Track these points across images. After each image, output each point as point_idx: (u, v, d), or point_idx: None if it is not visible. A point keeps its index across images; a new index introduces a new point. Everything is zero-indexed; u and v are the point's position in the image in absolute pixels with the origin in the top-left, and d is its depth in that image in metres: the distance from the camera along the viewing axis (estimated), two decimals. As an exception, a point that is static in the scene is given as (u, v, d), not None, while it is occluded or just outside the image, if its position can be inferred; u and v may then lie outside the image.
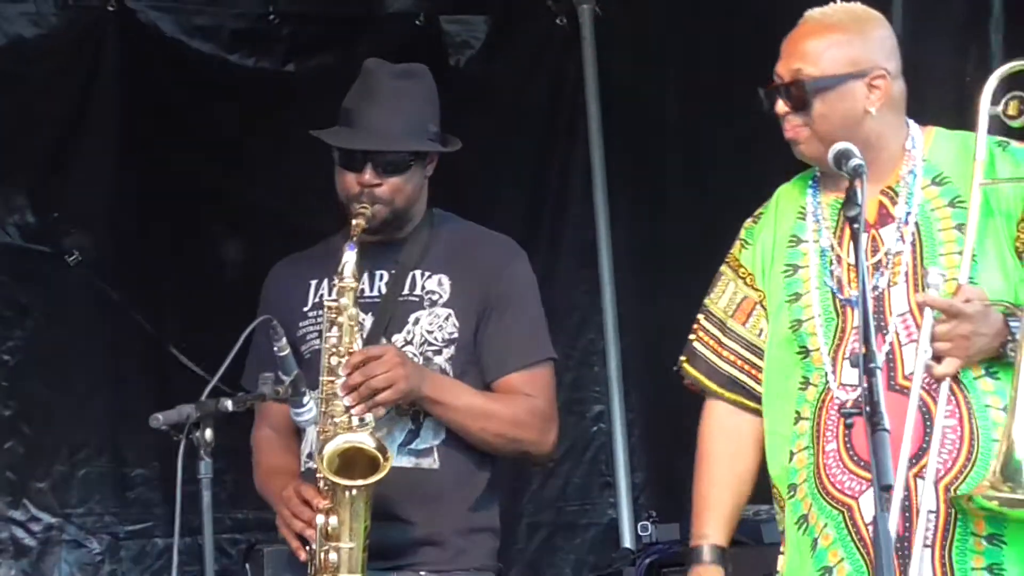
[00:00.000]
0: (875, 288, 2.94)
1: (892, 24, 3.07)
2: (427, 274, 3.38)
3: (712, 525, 3.07)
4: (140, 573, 4.95)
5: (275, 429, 3.43)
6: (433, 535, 3.31)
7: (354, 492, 3.17)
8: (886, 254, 2.96)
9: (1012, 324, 2.89)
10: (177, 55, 5.09)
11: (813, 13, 3.01)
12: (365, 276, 3.33)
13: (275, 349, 3.17)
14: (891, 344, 2.92)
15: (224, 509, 4.64)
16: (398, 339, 3.33)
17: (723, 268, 3.15)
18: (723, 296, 3.12)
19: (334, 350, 3.24)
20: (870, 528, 2.85)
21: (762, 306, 3.07)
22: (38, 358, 4.90)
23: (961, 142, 3.03)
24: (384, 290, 3.37)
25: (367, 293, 3.35)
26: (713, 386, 3.10)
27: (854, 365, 2.79)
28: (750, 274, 3.10)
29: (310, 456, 3.33)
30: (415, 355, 3.33)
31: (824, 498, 2.94)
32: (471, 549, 3.35)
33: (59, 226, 4.97)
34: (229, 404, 3.06)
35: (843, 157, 2.87)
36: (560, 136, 5.42)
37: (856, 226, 2.76)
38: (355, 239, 3.25)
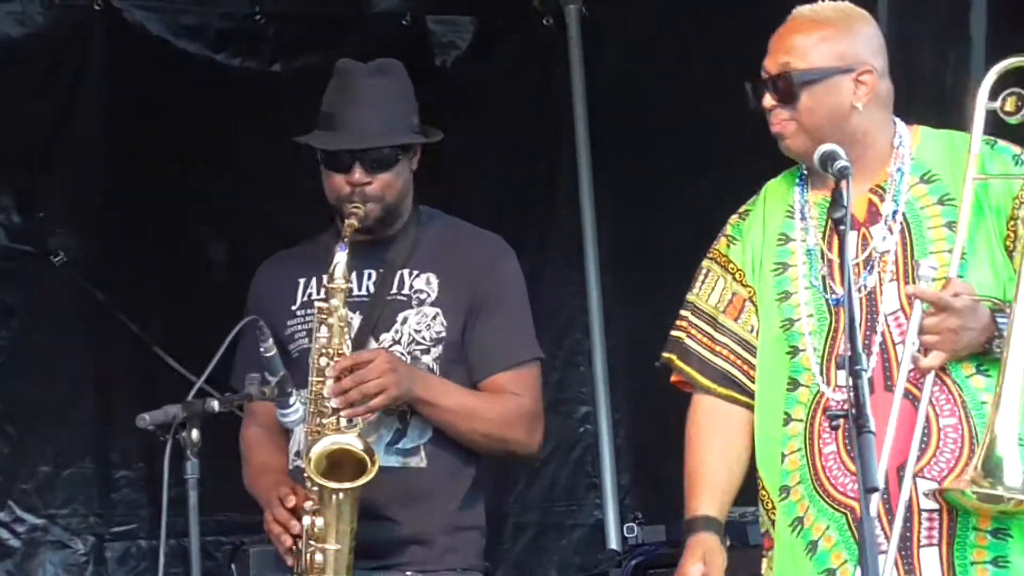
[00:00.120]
0: (864, 287, 2.95)
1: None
2: (415, 273, 3.38)
3: (706, 497, 3.05)
4: (125, 574, 4.94)
5: (264, 427, 3.43)
6: (420, 534, 3.32)
7: (341, 495, 3.16)
8: (874, 251, 2.96)
9: (1000, 320, 2.89)
10: (163, 55, 5.08)
11: (802, 10, 3.03)
12: (353, 275, 3.33)
13: (261, 350, 3.17)
14: (885, 344, 2.93)
15: (208, 511, 4.63)
16: (386, 338, 3.33)
17: (707, 264, 3.15)
18: (712, 292, 3.12)
19: (324, 351, 3.24)
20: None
21: (752, 302, 3.07)
22: (23, 359, 4.89)
23: (949, 141, 3.04)
24: (372, 289, 3.37)
25: (355, 292, 3.35)
26: (706, 381, 3.09)
27: (840, 367, 2.79)
28: (740, 270, 3.10)
29: (298, 455, 3.33)
30: (403, 354, 3.33)
31: (825, 500, 2.94)
32: (458, 548, 3.35)
33: (44, 226, 4.96)
34: (216, 404, 3.06)
35: (829, 159, 2.87)
36: (547, 136, 5.42)
37: (842, 228, 2.77)
38: (346, 240, 3.25)
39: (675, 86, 5.08)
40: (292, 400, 3.21)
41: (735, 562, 4.35)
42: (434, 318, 3.35)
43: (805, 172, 3.08)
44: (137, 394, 4.84)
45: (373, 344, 3.33)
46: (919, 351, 2.89)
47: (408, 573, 3.31)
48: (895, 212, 2.97)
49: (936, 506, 2.88)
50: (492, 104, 5.28)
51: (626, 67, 5.25)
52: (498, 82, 5.32)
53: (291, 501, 3.21)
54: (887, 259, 2.96)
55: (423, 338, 3.34)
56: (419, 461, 3.33)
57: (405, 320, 3.35)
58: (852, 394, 2.64)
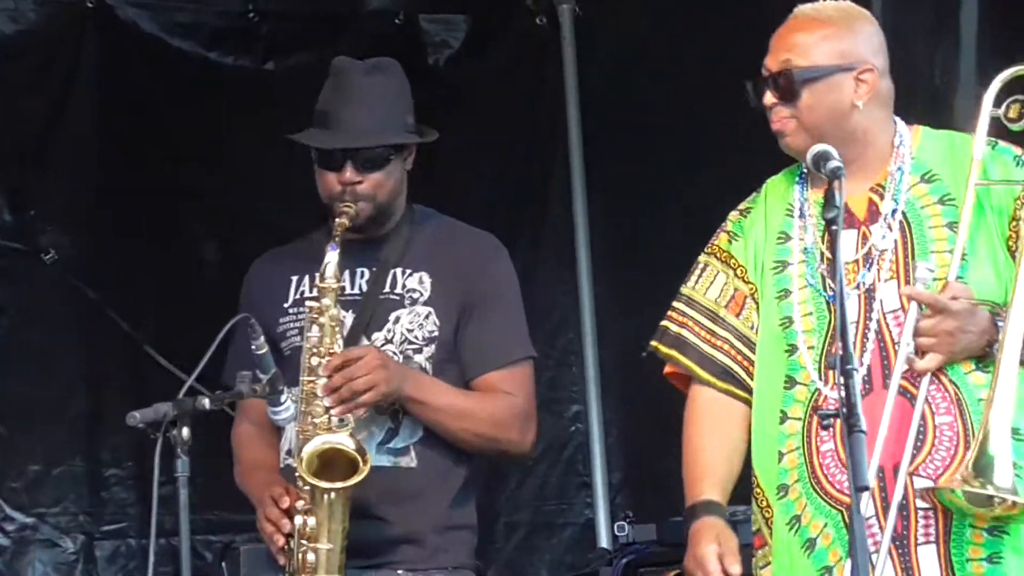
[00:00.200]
0: (861, 284, 2.96)
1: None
2: (408, 272, 3.38)
3: (709, 483, 3.04)
4: (114, 573, 4.93)
5: (255, 424, 3.42)
6: (411, 533, 3.31)
7: (333, 494, 3.16)
8: (873, 248, 2.96)
9: (1000, 323, 2.90)
10: (156, 52, 5.08)
11: (803, 8, 3.04)
12: (346, 273, 3.33)
13: (253, 347, 3.16)
14: (883, 341, 2.93)
15: (198, 510, 4.62)
16: (378, 337, 3.33)
17: (705, 258, 3.14)
18: (711, 286, 3.12)
19: (315, 350, 3.24)
20: (868, 528, 2.85)
21: (754, 299, 3.07)
22: (13, 357, 4.88)
23: (949, 141, 3.05)
24: (365, 288, 3.37)
25: (348, 290, 3.34)
26: (705, 375, 3.09)
27: (831, 367, 2.79)
28: (742, 266, 3.10)
29: (289, 453, 3.32)
30: (395, 353, 3.32)
31: (822, 498, 2.94)
32: (449, 547, 3.35)
33: (36, 224, 4.95)
34: (207, 402, 3.05)
35: (821, 159, 2.87)
36: (540, 135, 5.42)
37: (834, 228, 2.77)
38: (337, 239, 3.25)
39: (668, 85, 5.08)
40: (283, 398, 3.21)
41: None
42: (427, 317, 3.35)
43: (805, 170, 3.08)
44: (128, 393, 4.83)
45: (365, 343, 3.32)
46: (916, 353, 2.89)
47: (399, 571, 3.31)
48: (894, 210, 2.97)
49: (932, 504, 2.88)
50: (485, 103, 5.28)
51: (619, 66, 5.25)
52: (491, 81, 5.32)
53: (285, 502, 3.21)
54: (886, 257, 2.96)
55: (416, 337, 3.34)
56: (409, 461, 3.33)
57: (398, 319, 3.35)
58: (843, 394, 2.65)
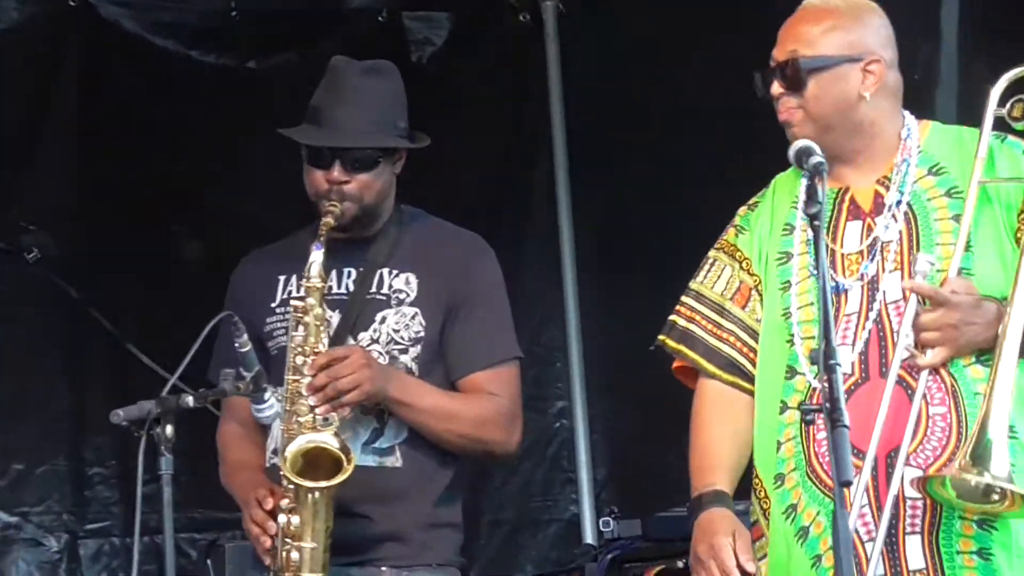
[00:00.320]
0: (864, 275, 2.96)
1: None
2: (395, 272, 3.38)
3: (716, 473, 3.04)
4: (98, 572, 4.93)
5: (241, 423, 3.42)
6: (395, 531, 3.31)
7: (317, 493, 3.16)
8: (877, 239, 2.97)
9: None
10: (139, 51, 5.07)
11: (812, 0, 3.04)
12: (333, 273, 3.33)
13: (236, 345, 3.16)
14: (883, 332, 2.92)
15: (182, 508, 4.63)
16: (364, 337, 3.33)
17: (714, 253, 3.15)
18: (718, 280, 3.12)
19: (300, 349, 3.24)
20: (861, 516, 2.86)
21: (758, 291, 3.08)
22: (-4, 356, 4.87)
23: (958, 135, 3.05)
24: (352, 288, 3.36)
25: (335, 290, 3.35)
26: (711, 368, 3.09)
27: (814, 362, 2.79)
28: (747, 259, 3.10)
29: (275, 452, 3.32)
30: (381, 354, 3.32)
31: (817, 486, 2.94)
32: (434, 544, 3.35)
33: (18, 223, 4.94)
34: (190, 400, 3.05)
35: (804, 154, 2.87)
36: (523, 133, 5.42)
37: (817, 223, 2.77)
38: (322, 239, 3.25)
39: (652, 82, 5.09)
40: (267, 395, 3.21)
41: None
42: (413, 318, 3.35)
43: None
44: (111, 392, 4.83)
45: (351, 343, 3.32)
46: (918, 348, 2.89)
47: (384, 568, 3.30)
48: (899, 202, 2.97)
49: (920, 494, 2.87)
50: (469, 100, 5.28)
51: (603, 63, 5.25)
52: (475, 78, 5.33)
53: (269, 503, 3.21)
54: (890, 248, 2.96)
55: (401, 338, 3.34)
56: (395, 461, 3.33)
57: (384, 319, 3.35)
58: (826, 388, 2.65)
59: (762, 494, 3.03)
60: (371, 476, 3.28)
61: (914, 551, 2.88)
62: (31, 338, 4.93)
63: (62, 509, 4.91)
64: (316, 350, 3.23)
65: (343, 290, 3.36)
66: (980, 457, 2.79)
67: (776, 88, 3.00)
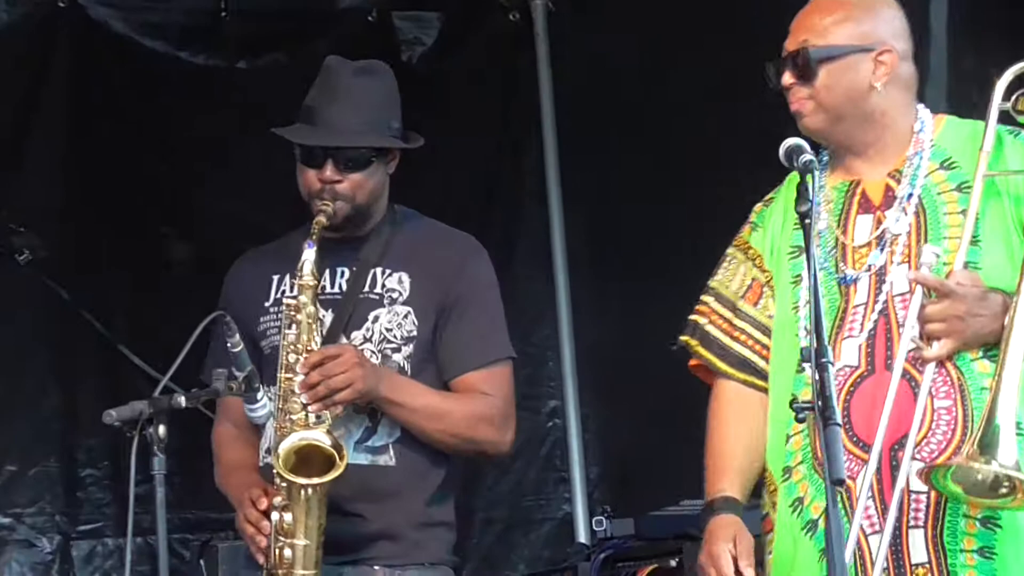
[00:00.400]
0: (872, 266, 2.96)
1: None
2: (388, 272, 3.38)
3: (729, 478, 3.05)
4: (91, 573, 4.92)
5: (236, 424, 3.42)
6: (388, 529, 3.31)
7: (310, 490, 3.16)
8: (886, 231, 2.96)
9: None
10: (128, 52, 5.06)
11: None
12: (327, 273, 3.34)
13: (228, 345, 3.17)
14: (889, 324, 2.92)
15: (175, 509, 4.62)
16: (357, 336, 3.33)
17: (731, 251, 3.16)
18: (734, 278, 3.13)
19: (292, 347, 3.24)
20: (865, 510, 2.87)
21: (770, 287, 3.08)
22: (-13, 357, 4.86)
23: (972, 129, 3.04)
24: (345, 287, 3.37)
25: (328, 290, 3.35)
26: (724, 367, 3.10)
27: (805, 359, 2.80)
28: (759, 255, 3.11)
29: (268, 452, 3.32)
30: (373, 352, 3.33)
31: (823, 479, 2.90)
32: (426, 543, 3.35)
33: (9, 225, 4.93)
34: (182, 400, 3.05)
35: (794, 152, 2.86)
36: (513, 132, 5.42)
37: (807, 221, 2.77)
38: (314, 237, 3.25)
39: (642, 80, 5.09)
40: (259, 395, 3.21)
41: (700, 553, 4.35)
42: (405, 317, 3.35)
43: (827, 158, 3.08)
44: (102, 393, 4.83)
45: (344, 341, 3.32)
46: (924, 340, 2.89)
47: (376, 567, 3.30)
48: (910, 195, 2.97)
49: (924, 488, 2.88)
50: (459, 100, 5.28)
51: (593, 61, 5.25)
52: (465, 78, 5.33)
53: (263, 503, 3.21)
54: (899, 241, 2.96)
55: (394, 337, 3.35)
56: (388, 459, 3.33)
57: (376, 318, 3.35)
58: (818, 387, 2.65)
59: (772, 488, 3.04)
60: (364, 474, 3.29)
61: (917, 545, 2.88)
62: (22, 340, 4.92)
63: (55, 510, 4.91)
64: (309, 348, 3.23)
65: (336, 290, 3.37)
66: (988, 445, 2.78)
67: (787, 78, 3.00)
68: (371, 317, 3.35)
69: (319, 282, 3.28)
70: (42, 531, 4.89)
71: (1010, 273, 2.92)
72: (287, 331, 3.25)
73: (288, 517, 3.18)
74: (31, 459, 4.89)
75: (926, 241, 2.95)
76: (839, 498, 2.90)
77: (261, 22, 5.18)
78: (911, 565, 2.88)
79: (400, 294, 3.36)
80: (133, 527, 3.12)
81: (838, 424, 2.63)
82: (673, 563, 4.32)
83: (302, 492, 3.17)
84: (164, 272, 5.03)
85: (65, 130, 5.00)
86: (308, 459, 3.19)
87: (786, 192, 3.11)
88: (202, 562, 4.25)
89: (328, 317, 3.33)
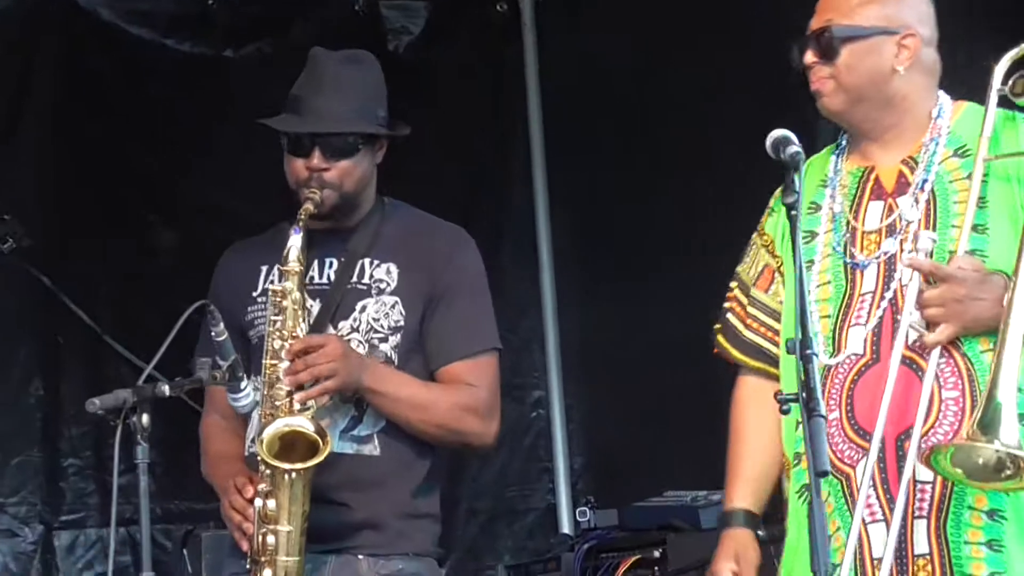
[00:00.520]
0: (883, 254, 2.95)
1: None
2: (376, 262, 3.38)
3: (740, 491, 3.05)
4: (73, 563, 4.91)
5: (223, 415, 3.42)
6: (372, 518, 3.31)
7: (293, 475, 3.16)
8: (899, 218, 2.95)
9: None
10: (115, 40, 5.05)
11: None
12: (315, 263, 3.34)
13: (212, 334, 3.16)
14: (897, 312, 2.90)
15: (158, 499, 4.62)
16: (344, 326, 3.33)
17: (754, 237, 3.15)
18: (753, 265, 3.13)
19: (278, 334, 3.24)
20: (866, 499, 2.86)
21: (779, 272, 3.08)
22: (-30, 347, 4.85)
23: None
24: (333, 277, 3.36)
25: (316, 280, 3.35)
26: (738, 354, 3.10)
27: (790, 351, 2.80)
28: (771, 240, 3.10)
29: (254, 441, 3.32)
30: (360, 342, 3.33)
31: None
32: (411, 533, 3.35)
33: (-7, 213, 4.92)
34: (166, 389, 3.04)
35: (781, 144, 2.83)
36: (500, 121, 5.42)
37: (793, 213, 2.77)
38: (301, 224, 3.25)
39: (630, 71, 5.09)
40: (244, 384, 3.21)
41: (686, 545, 4.37)
42: (392, 307, 3.35)
43: (844, 143, 3.08)
44: (86, 382, 4.82)
45: (331, 331, 3.32)
46: (926, 327, 2.87)
47: (360, 556, 3.30)
48: (924, 182, 2.97)
49: (930, 478, 2.86)
50: (445, 90, 5.28)
51: (580, 52, 5.25)
52: (451, 68, 5.32)
53: (248, 491, 3.21)
54: (909, 229, 2.95)
55: (381, 327, 3.35)
56: (372, 449, 3.33)
57: (364, 308, 3.35)
58: (802, 378, 2.65)
59: (787, 473, 3.03)
60: (349, 463, 3.29)
61: (920, 536, 2.87)
62: (4, 328, 4.91)
63: (37, 500, 4.90)
64: (294, 334, 3.23)
65: (324, 280, 3.37)
66: (988, 424, 2.75)
67: (809, 57, 2.99)
68: (359, 307, 3.34)
69: (305, 268, 3.27)
70: (24, 521, 4.89)
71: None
72: (273, 317, 3.25)
73: (272, 504, 3.17)
74: (13, 448, 4.88)
75: (935, 228, 2.93)
76: (839, 487, 2.91)
77: (248, 11, 5.17)
78: (913, 556, 2.87)
79: (388, 284, 3.36)
80: (116, 517, 3.11)
81: (822, 416, 2.62)
82: (656, 554, 4.33)
83: (286, 477, 3.16)
84: (149, 261, 5.02)
85: (50, 118, 4.99)
86: (292, 445, 3.19)
87: (805, 178, 3.10)
88: (185, 552, 4.25)
89: (316, 307, 3.33)
